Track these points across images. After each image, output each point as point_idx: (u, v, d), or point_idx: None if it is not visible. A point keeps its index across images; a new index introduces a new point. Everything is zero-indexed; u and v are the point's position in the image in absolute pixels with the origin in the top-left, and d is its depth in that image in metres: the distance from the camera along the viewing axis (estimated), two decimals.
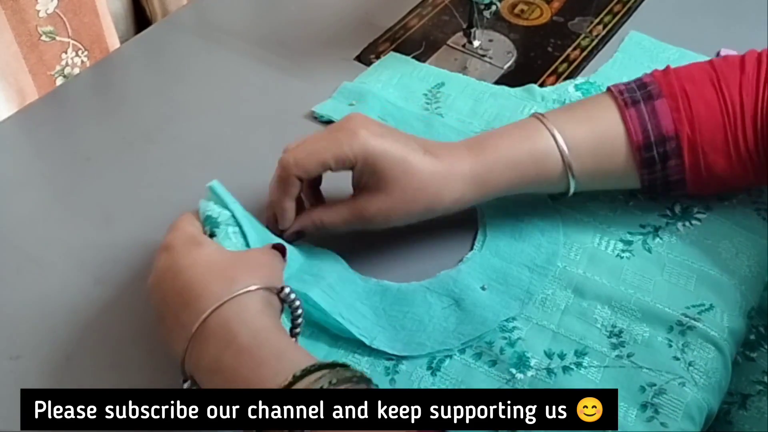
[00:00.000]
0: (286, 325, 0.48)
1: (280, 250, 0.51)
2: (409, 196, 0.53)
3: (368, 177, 0.53)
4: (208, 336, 0.44)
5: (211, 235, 0.50)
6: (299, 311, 0.48)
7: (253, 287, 0.45)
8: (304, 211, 0.55)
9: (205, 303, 0.44)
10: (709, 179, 0.57)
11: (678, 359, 0.52)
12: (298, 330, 0.48)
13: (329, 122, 0.68)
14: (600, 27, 0.79)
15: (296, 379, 0.41)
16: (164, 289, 0.47)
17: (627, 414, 0.50)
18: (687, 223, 0.61)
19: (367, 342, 0.52)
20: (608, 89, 0.58)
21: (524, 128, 0.56)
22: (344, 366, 0.43)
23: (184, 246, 0.48)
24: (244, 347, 0.43)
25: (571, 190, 0.57)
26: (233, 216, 0.51)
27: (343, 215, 0.54)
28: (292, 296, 0.47)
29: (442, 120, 0.68)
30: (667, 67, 0.58)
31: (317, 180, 0.57)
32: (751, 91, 0.55)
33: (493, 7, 0.73)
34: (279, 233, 0.54)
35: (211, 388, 0.44)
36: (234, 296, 0.45)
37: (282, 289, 0.47)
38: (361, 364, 0.52)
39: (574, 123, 0.56)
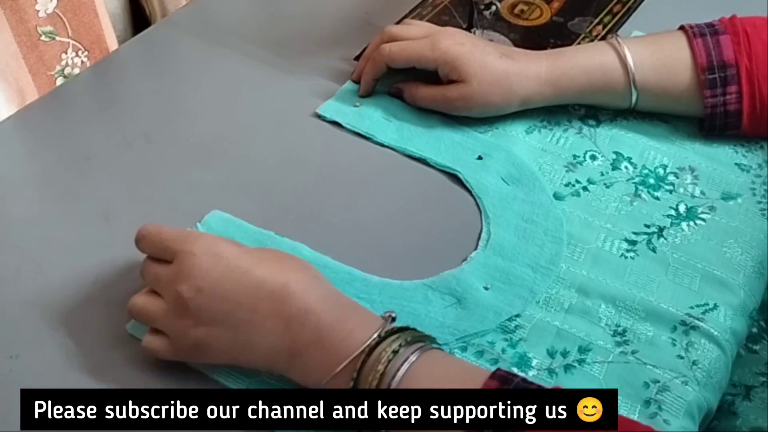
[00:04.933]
0: None
1: None
2: (485, 87, 0.64)
3: (450, 73, 0.65)
4: (305, 314, 0.47)
5: None
6: None
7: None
8: (402, 82, 0.69)
9: (291, 289, 0.47)
10: (765, 113, 0.64)
11: (682, 358, 0.52)
12: None
13: (334, 122, 0.68)
14: (600, 27, 0.79)
15: (381, 338, 0.46)
16: (233, 288, 0.48)
17: (631, 410, 0.50)
18: (692, 223, 0.61)
19: None
20: (681, 26, 0.67)
21: (596, 45, 0.68)
22: (412, 328, 0.48)
23: (224, 248, 0.49)
24: (343, 313, 0.48)
25: (633, 102, 0.66)
26: None
27: (431, 92, 0.67)
28: None
29: (445, 119, 0.68)
30: (733, 15, 0.66)
31: None
32: None
33: (493, 7, 0.73)
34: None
35: (311, 360, 0.47)
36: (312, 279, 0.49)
37: None
38: None
39: (641, 45, 0.66)
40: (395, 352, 0.45)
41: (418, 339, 0.47)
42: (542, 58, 0.66)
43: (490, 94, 0.65)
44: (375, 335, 0.46)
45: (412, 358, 0.45)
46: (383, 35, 0.69)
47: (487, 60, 0.64)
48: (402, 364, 0.45)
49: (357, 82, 0.71)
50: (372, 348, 0.45)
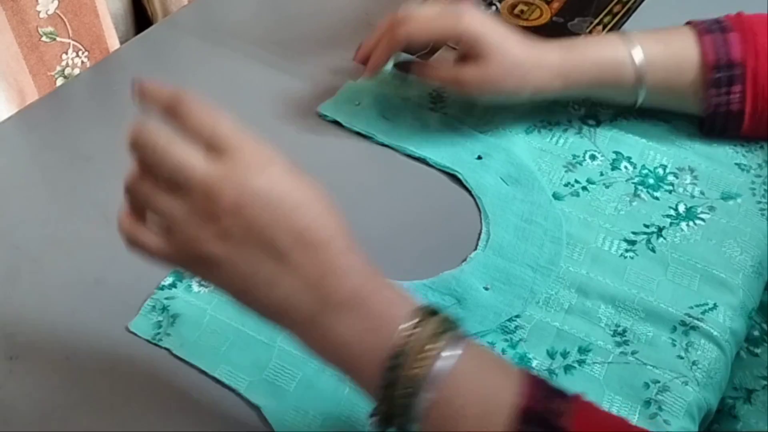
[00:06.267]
0: None
1: None
2: (501, 71, 0.62)
3: (469, 50, 0.62)
4: (346, 271, 0.42)
5: (172, 286, 0.55)
6: None
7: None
8: (414, 61, 0.67)
9: (336, 246, 0.42)
10: (765, 114, 0.64)
11: (682, 358, 0.52)
12: None
13: (334, 121, 0.68)
14: (599, 27, 0.79)
15: (424, 316, 0.41)
16: (281, 219, 0.41)
17: (631, 410, 0.50)
18: (691, 223, 0.61)
19: None
20: (688, 22, 0.66)
21: (607, 39, 0.66)
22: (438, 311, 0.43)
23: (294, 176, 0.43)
24: (383, 284, 0.43)
25: (639, 100, 0.65)
26: None
27: (444, 73, 0.65)
28: None
29: (445, 118, 0.68)
30: (739, 12, 0.66)
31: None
32: None
33: (493, 8, 0.73)
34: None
35: (337, 323, 0.41)
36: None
37: None
38: None
39: (652, 41, 0.65)
40: (437, 336, 0.41)
41: (453, 326, 0.42)
42: (556, 49, 0.64)
43: (503, 80, 0.63)
44: (411, 322, 0.41)
45: (457, 350, 0.41)
46: (396, 16, 0.63)
47: (506, 42, 0.62)
48: (444, 356, 0.40)
49: (363, 63, 0.66)
50: (409, 335, 0.41)
